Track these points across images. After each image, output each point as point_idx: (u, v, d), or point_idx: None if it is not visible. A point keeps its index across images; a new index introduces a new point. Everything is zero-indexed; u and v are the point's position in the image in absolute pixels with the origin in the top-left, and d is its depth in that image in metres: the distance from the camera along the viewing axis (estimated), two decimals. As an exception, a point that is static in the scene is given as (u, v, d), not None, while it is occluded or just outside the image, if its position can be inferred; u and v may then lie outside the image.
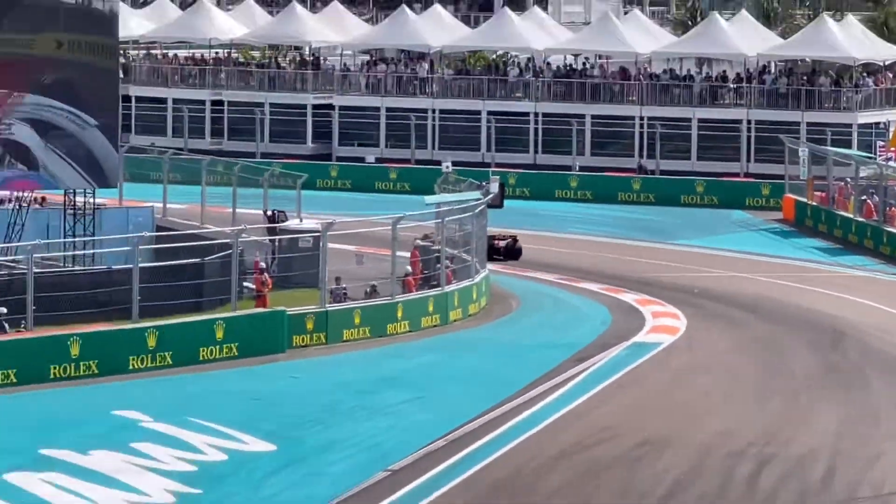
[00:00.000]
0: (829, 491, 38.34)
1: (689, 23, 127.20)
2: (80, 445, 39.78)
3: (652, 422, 44.22)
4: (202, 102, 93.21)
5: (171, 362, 48.52)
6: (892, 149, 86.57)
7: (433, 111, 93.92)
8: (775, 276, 69.17)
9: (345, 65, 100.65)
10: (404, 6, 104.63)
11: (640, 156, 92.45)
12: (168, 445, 40.58)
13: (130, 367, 47.40)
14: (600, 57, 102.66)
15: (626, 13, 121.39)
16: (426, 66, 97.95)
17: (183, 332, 49.58)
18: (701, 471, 39.21)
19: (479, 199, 62.56)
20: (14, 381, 45.99)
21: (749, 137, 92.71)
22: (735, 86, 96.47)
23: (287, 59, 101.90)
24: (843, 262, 70.92)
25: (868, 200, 75.39)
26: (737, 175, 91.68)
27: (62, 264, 53.76)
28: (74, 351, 47.03)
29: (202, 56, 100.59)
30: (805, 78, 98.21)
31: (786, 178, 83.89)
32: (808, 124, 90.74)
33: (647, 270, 68.36)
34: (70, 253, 54.35)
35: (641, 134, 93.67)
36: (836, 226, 77.16)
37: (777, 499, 37.75)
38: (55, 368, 46.29)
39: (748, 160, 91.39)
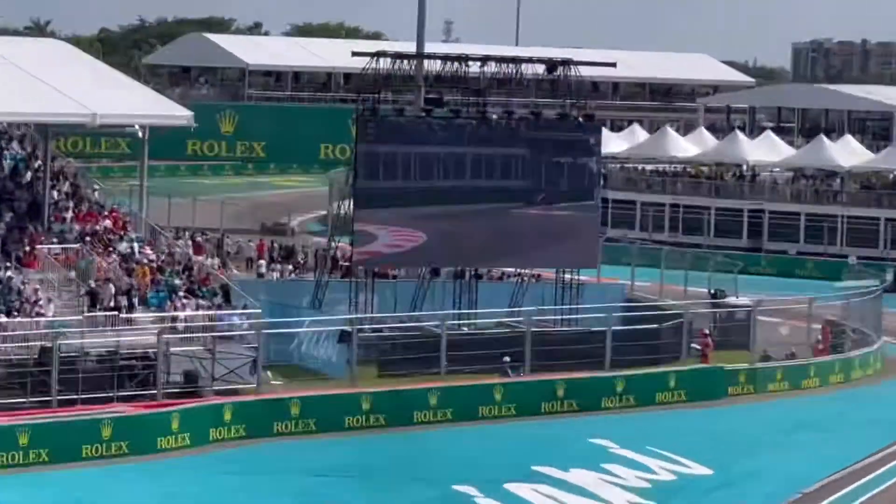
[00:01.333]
0: None
1: None
2: (563, 464, 40.20)
3: None
4: (662, 205, 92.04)
5: (633, 403, 48.06)
6: None
7: (842, 216, 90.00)
8: None
9: (774, 179, 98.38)
10: (822, 136, 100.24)
11: None
12: (630, 467, 40.62)
13: (602, 406, 47.05)
14: None
15: None
16: (837, 181, 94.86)
17: (643, 381, 49.03)
18: None
19: (878, 286, 60.99)
20: (514, 413, 46.18)
21: None
22: None
23: (729, 173, 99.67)
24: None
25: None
26: None
27: (552, 326, 53.27)
28: (560, 392, 47.10)
29: (664, 169, 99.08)
30: None
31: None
32: None
33: None
34: (559, 317, 53.75)
35: None
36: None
37: None
38: (545, 405, 46.31)
39: None
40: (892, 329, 61.31)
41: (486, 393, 46.58)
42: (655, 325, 52.98)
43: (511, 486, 37.42)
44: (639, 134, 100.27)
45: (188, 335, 44.13)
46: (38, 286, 44.21)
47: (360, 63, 54.54)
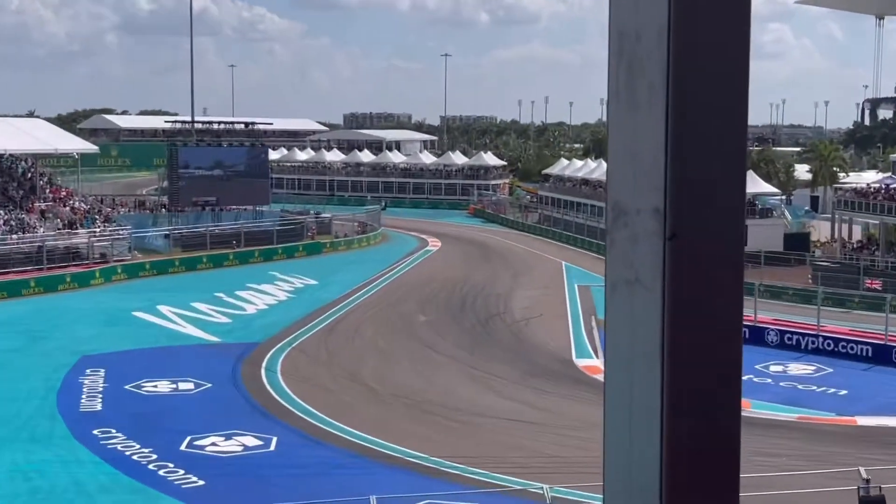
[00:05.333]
0: (483, 295, 43.05)
1: None
2: (259, 282, 45.10)
3: (431, 273, 48.64)
4: (294, 178, 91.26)
5: (286, 257, 53.74)
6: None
7: (364, 181, 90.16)
8: (468, 229, 69.53)
9: (339, 167, 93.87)
10: (356, 150, 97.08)
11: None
12: (285, 282, 45.43)
13: (273, 258, 53.22)
14: None
15: None
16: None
17: (288, 248, 54.99)
18: (445, 289, 44.12)
19: (380, 207, 69.23)
20: (240, 263, 50.90)
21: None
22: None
23: (320, 165, 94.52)
24: (488, 227, 71.02)
25: (492, 207, 76.76)
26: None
27: (256, 226, 55.74)
28: (256, 254, 52.93)
29: (293, 165, 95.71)
30: None
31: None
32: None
33: (429, 228, 68.04)
34: (259, 222, 57.21)
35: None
36: (486, 216, 75.89)
37: (465, 294, 42.89)
38: (252, 259, 52.29)
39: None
40: (386, 223, 65.80)
41: (225, 256, 51.99)
42: (293, 225, 58.37)
43: (239, 292, 43.30)
44: (283, 151, 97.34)
45: (103, 237, 49.27)
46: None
47: (169, 125, 63.00)
